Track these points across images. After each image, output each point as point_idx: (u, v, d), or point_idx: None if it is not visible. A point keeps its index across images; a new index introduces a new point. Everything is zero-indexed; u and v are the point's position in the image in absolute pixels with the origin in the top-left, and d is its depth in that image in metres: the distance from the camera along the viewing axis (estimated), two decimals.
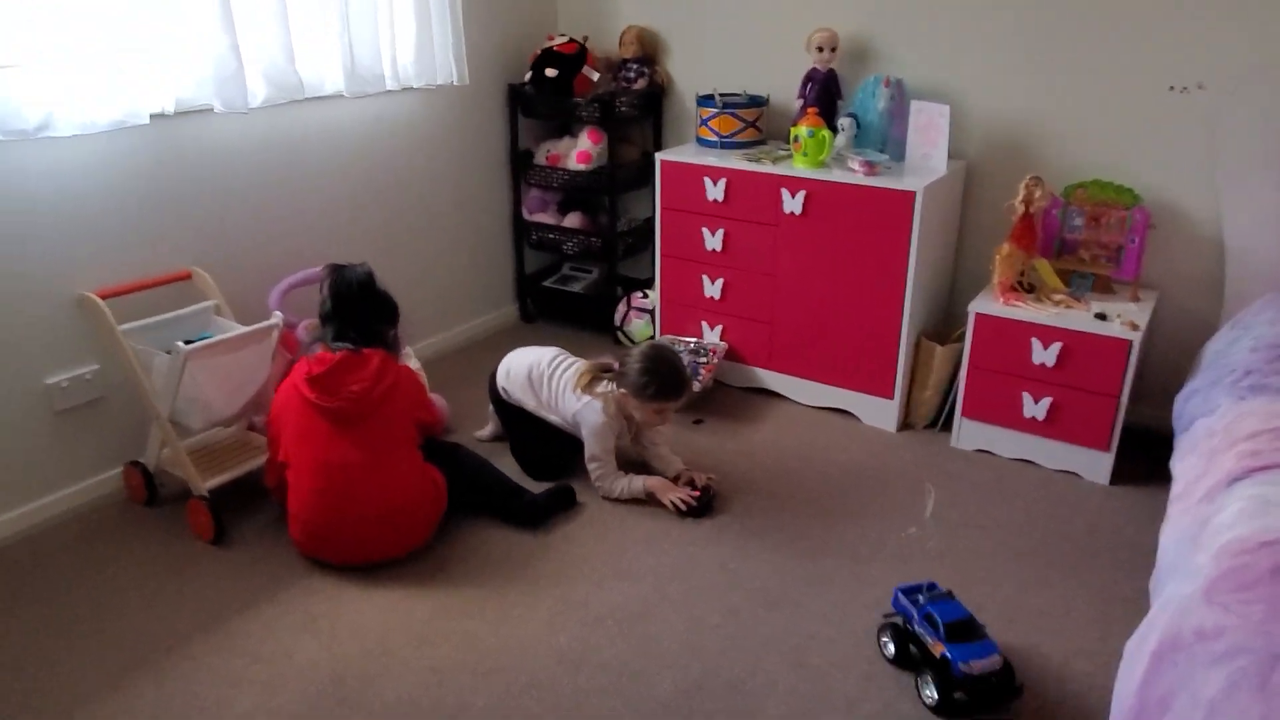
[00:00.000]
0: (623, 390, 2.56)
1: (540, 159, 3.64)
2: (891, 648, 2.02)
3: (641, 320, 3.54)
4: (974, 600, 2.19)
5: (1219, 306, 2.72)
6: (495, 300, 3.85)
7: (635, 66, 3.57)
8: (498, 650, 2.06)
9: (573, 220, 3.72)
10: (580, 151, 3.52)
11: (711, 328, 3.28)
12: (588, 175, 3.52)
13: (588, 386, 2.61)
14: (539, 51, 3.49)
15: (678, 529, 2.50)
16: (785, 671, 2.00)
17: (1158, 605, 1.53)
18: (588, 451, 2.61)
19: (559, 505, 2.56)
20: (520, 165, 3.68)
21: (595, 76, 3.49)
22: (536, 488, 2.60)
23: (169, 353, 2.32)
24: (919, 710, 1.90)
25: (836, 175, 2.88)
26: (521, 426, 2.78)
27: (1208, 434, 2.02)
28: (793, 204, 2.94)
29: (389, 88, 3.03)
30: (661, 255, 3.32)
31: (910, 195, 2.73)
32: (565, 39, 3.48)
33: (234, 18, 2.49)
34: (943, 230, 3.00)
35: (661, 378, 2.51)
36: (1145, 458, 2.74)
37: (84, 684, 1.96)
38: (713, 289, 3.22)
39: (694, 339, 3.28)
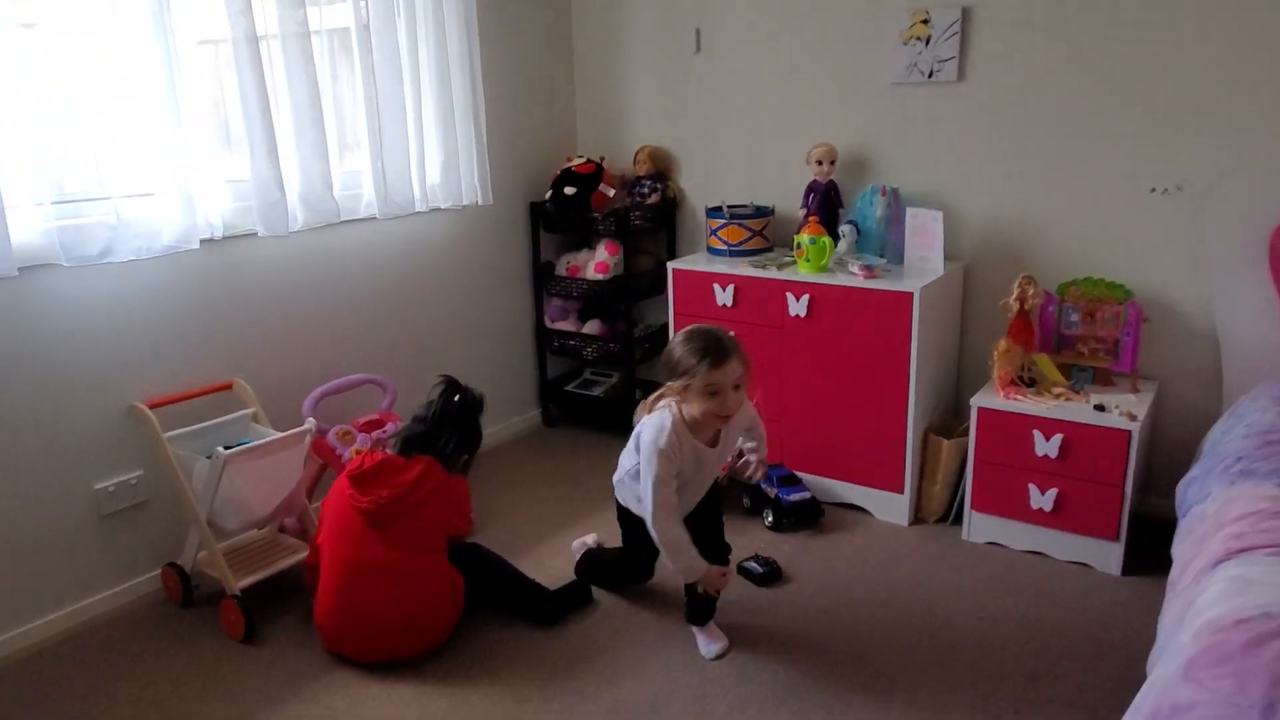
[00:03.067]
0: (672, 385, 2.23)
1: (561, 270, 3.85)
2: (748, 502, 3.18)
3: None
4: (983, 691, 2.21)
5: (1220, 396, 2.78)
6: (519, 405, 4.01)
7: (649, 182, 3.80)
8: None
9: (592, 327, 3.89)
10: (598, 262, 3.72)
11: None
12: (605, 284, 3.70)
13: (651, 406, 2.34)
14: (558, 171, 3.74)
15: (688, 626, 2.55)
16: None
17: (1146, 685, 1.57)
18: (644, 477, 2.28)
19: (575, 602, 2.63)
20: (542, 277, 3.89)
21: (611, 193, 3.73)
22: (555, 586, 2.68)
23: (209, 458, 2.47)
24: None
25: (838, 279, 3.02)
26: (635, 531, 2.49)
27: (1200, 519, 2.06)
28: (797, 307, 3.08)
29: (418, 209, 3.27)
30: None
31: (908, 296, 2.86)
32: (583, 159, 3.73)
33: (278, 151, 2.75)
34: (943, 328, 3.12)
35: (697, 341, 2.19)
36: (1156, 547, 2.75)
37: None
38: None
39: None
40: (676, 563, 2.33)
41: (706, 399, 2.19)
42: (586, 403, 3.99)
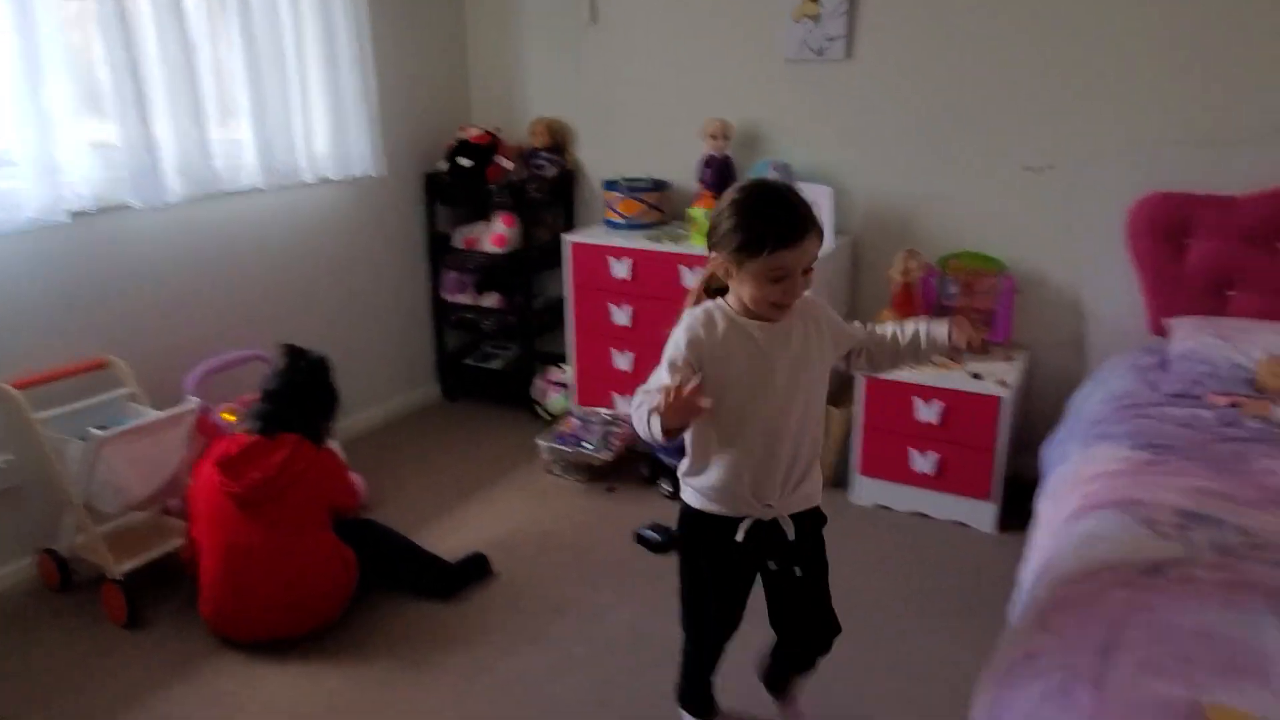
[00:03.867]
0: (717, 258, 1.62)
1: (457, 243, 3.80)
2: (647, 471, 3.17)
3: (558, 394, 3.68)
4: (871, 643, 2.33)
5: (1084, 363, 2.95)
6: (417, 379, 3.96)
7: (546, 155, 3.78)
8: (406, 717, 2.12)
9: (490, 300, 3.86)
10: (495, 235, 3.69)
11: (624, 398, 3.43)
12: (503, 257, 3.68)
13: (696, 296, 1.73)
14: (453, 142, 3.68)
15: (587, 594, 2.59)
16: None
17: (1006, 634, 1.68)
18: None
19: (474, 575, 2.64)
20: (438, 249, 3.84)
21: (508, 165, 3.69)
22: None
23: (83, 439, 2.37)
24: None
25: None
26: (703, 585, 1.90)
27: (1061, 479, 2.21)
28: (692, 280, 3.12)
29: (306, 180, 3.17)
30: (575, 331, 3.47)
31: None
32: (478, 130, 3.68)
33: (151, 115, 2.62)
34: (833, 301, 3.20)
35: (762, 205, 1.57)
36: (1028, 505, 2.92)
37: None
38: (623, 362, 3.38)
39: (608, 410, 3.42)
40: (638, 417, 1.58)
41: (765, 284, 1.57)
42: (485, 376, 3.96)
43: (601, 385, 3.47)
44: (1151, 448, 2.13)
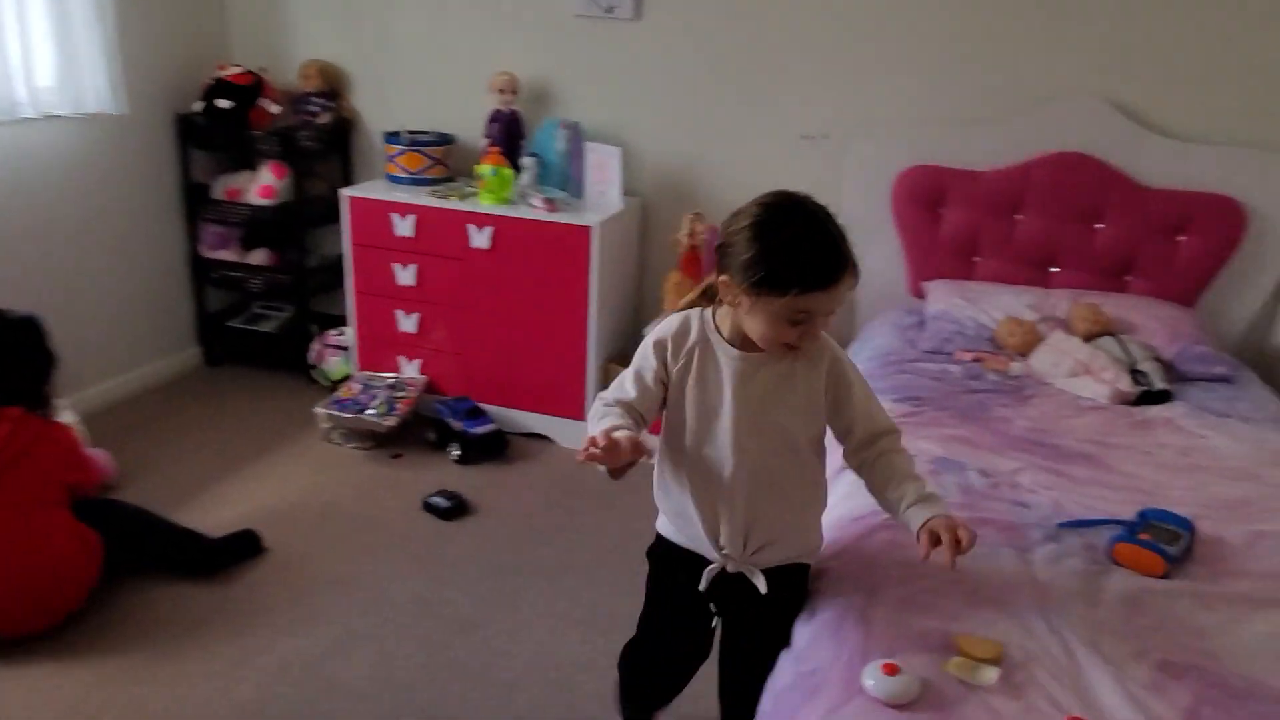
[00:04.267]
0: (728, 282, 1.37)
1: (218, 193, 3.46)
2: (433, 436, 3.08)
3: (338, 357, 3.47)
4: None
5: (854, 323, 3.15)
6: (173, 343, 3.59)
7: (319, 100, 3.52)
8: (169, 713, 1.94)
9: (258, 257, 3.56)
10: (263, 186, 3.39)
11: (410, 361, 3.29)
12: (273, 210, 3.39)
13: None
14: (211, 81, 3.33)
15: (371, 566, 2.48)
16: (472, 690, 2.05)
17: None
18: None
19: (240, 551, 2.44)
20: (195, 200, 3.48)
21: (275, 109, 3.40)
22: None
23: None
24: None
25: (520, 211, 3.01)
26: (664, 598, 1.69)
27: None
28: (480, 239, 3.04)
29: (27, 114, 2.76)
30: (355, 291, 3.28)
31: (587, 230, 2.92)
32: (239, 69, 3.36)
33: None
34: (622, 262, 3.24)
35: (798, 235, 1.33)
36: None
37: None
38: (408, 323, 3.24)
39: (392, 374, 3.27)
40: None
41: (781, 325, 1.34)
42: (254, 339, 3.67)
43: (385, 348, 3.31)
44: (910, 400, 2.31)
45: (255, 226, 3.52)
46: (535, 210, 3.01)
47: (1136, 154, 2.78)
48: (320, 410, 3.10)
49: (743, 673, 1.52)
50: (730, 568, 1.50)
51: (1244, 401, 2.35)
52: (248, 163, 3.53)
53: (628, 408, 1.48)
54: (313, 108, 3.51)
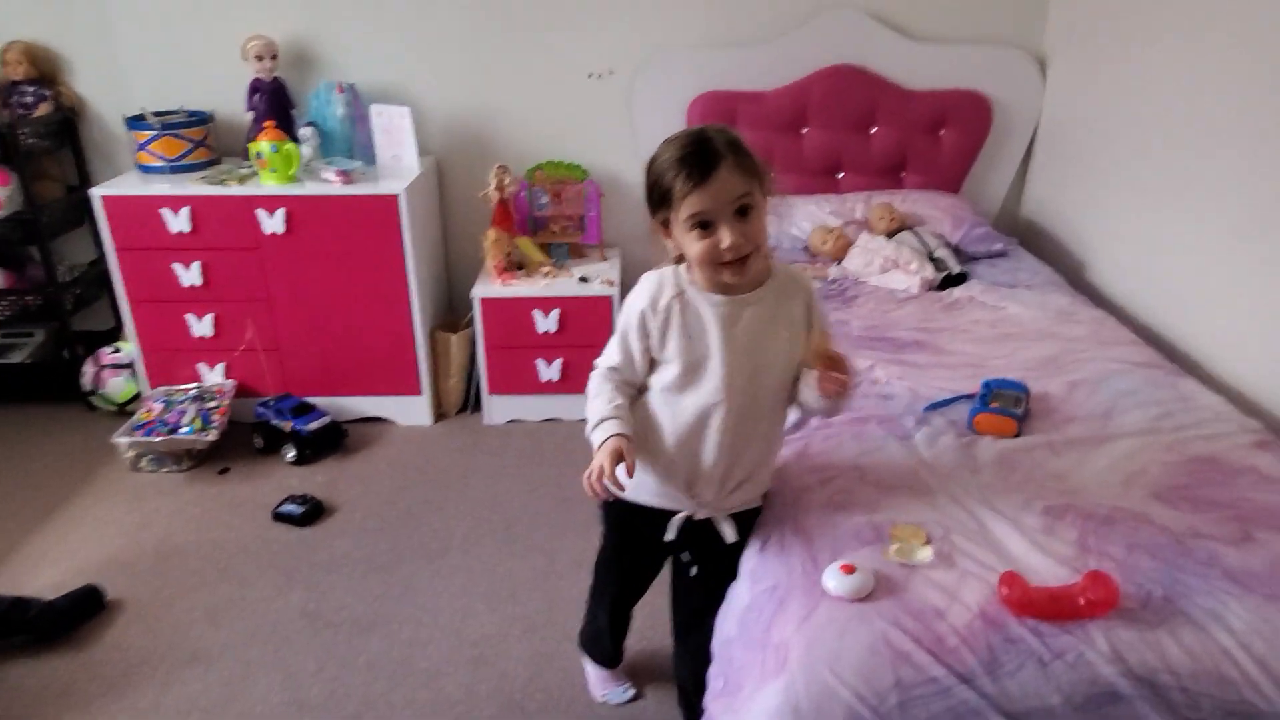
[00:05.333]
0: (653, 221, 1.46)
1: None
2: (261, 442, 2.86)
3: (120, 377, 3.09)
4: (543, 549, 2.41)
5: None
6: None
7: (31, 89, 3.04)
8: None
9: None
10: None
11: (212, 368, 3.01)
12: (1, 225, 2.92)
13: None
14: None
15: (241, 592, 2.30)
16: (396, 687, 2.00)
17: None
18: None
19: (84, 610, 2.18)
20: None
21: None
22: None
23: None
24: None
25: (312, 188, 2.81)
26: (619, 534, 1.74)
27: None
28: (272, 223, 2.80)
29: None
30: (130, 301, 2.92)
31: (394, 198, 2.78)
32: None
33: None
34: (428, 225, 3.12)
35: (672, 148, 1.38)
36: None
37: None
38: (202, 327, 2.94)
39: (194, 384, 2.98)
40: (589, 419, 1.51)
41: (693, 241, 1.38)
42: (5, 373, 3.19)
43: (179, 358, 2.99)
44: None
45: None
46: (330, 185, 2.82)
47: (896, 61, 3.04)
48: (121, 439, 2.78)
49: (707, 616, 1.58)
50: (699, 515, 1.56)
51: (1023, 271, 2.72)
52: None
53: (618, 383, 1.51)
54: (26, 98, 3.04)
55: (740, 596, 1.53)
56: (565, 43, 3.08)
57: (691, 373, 1.48)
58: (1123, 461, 1.75)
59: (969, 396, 1.96)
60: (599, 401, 1.50)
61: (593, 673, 1.97)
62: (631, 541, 1.69)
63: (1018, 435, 1.85)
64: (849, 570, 1.40)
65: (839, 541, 1.51)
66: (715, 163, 1.35)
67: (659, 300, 1.47)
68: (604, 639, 1.90)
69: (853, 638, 1.31)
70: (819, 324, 1.52)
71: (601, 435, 1.45)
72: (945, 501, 1.62)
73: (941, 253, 2.71)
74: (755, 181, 1.38)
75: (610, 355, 1.54)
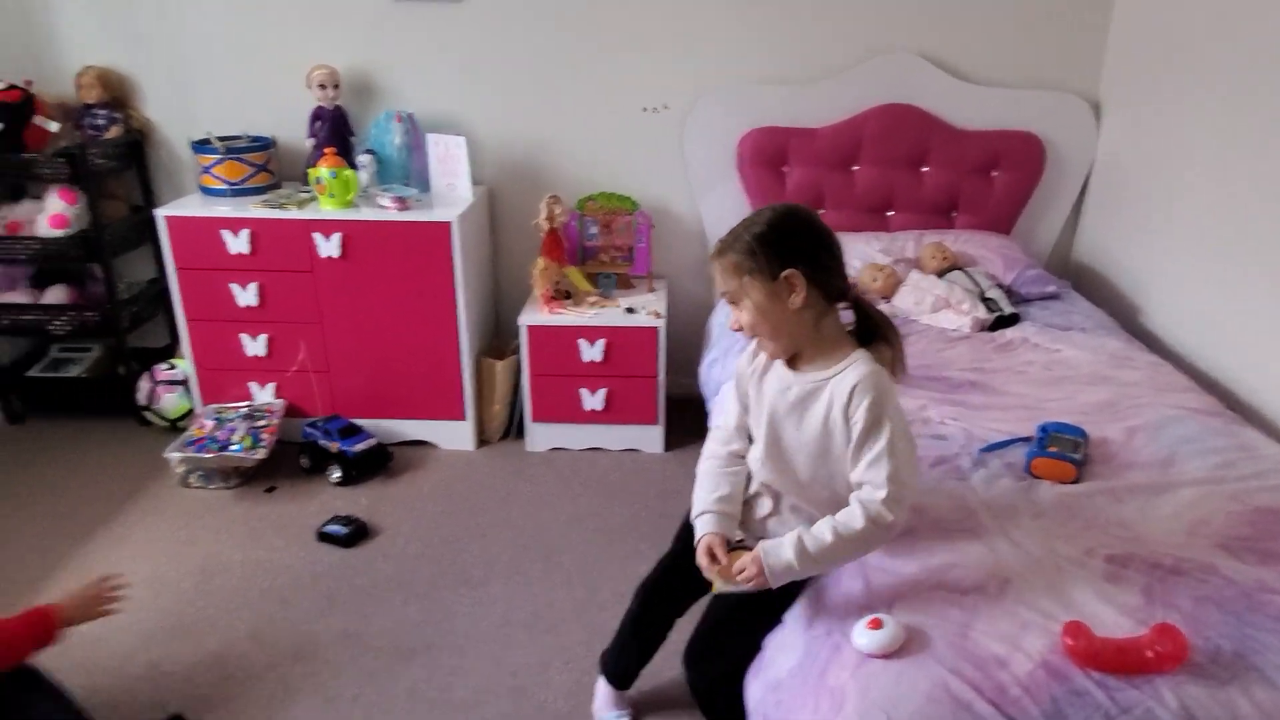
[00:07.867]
0: None
1: None
2: (307, 462, 2.90)
3: (174, 394, 3.15)
4: (585, 580, 2.39)
5: (713, 286, 3.25)
6: None
7: (103, 113, 3.13)
8: None
9: (56, 295, 3.16)
10: (52, 215, 2.99)
11: (263, 387, 3.05)
12: (66, 242, 3.00)
13: None
14: None
15: (283, 612, 2.30)
16: (435, 715, 1.99)
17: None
18: None
19: None
20: None
21: (53, 126, 3.00)
22: None
23: None
24: None
25: (368, 214, 2.85)
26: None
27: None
28: (329, 247, 2.85)
29: None
30: (187, 320, 2.98)
31: (446, 226, 2.82)
32: (4, 85, 2.92)
33: None
34: (479, 253, 3.15)
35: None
36: (684, 420, 3.18)
37: None
38: (256, 347, 2.99)
39: (245, 403, 3.02)
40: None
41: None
42: (63, 387, 3.26)
43: (232, 376, 3.04)
44: None
45: (47, 261, 3.11)
46: (385, 211, 2.86)
47: (949, 101, 3.04)
48: (173, 454, 2.82)
49: (730, 639, 1.64)
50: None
51: (1076, 314, 2.68)
52: (24, 189, 3.11)
53: (727, 455, 1.67)
54: (98, 121, 3.13)
55: (792, 640, 1.51)
56: (620, 76, 3.12)
57: (752, 434, 1.64)
58: (1186, 510, 1.71)
59: (1025, 439, 1.93)
60: (701, 491, 1.64)
61: (601, 690, 1.97)
62: (686, 543, 1.68)
63: (1076, 481, 1.81)
64: (876, 625, 1.37)
65: (894, 589, 1.49)
66: (721, 248, 1.51)
67: (750, 364, 1.62)
68: (628, 652, 1.89)
69: (910, 685, 1.29)
70: (861, 442, 1.46)
71: (698, 532, 1.60)
72: (1005, 545, 1.58)
73: (994, 293, 2.69)
74: (742, 278, 1.47)
75: (723, 411, 1.70)
